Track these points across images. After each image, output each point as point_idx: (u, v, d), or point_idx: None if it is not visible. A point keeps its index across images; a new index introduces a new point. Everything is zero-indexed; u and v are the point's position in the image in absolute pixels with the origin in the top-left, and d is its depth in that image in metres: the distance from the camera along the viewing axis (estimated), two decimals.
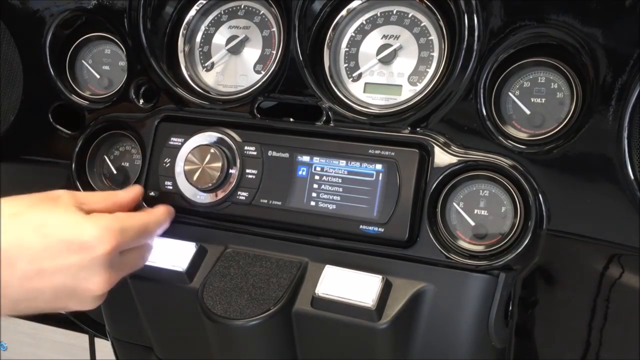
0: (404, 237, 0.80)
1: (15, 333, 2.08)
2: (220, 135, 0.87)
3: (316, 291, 0.79)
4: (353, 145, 0.84)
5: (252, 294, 0.81)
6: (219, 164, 0.85)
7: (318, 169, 0.84)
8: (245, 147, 0.87)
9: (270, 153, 0.86)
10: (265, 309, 0.79)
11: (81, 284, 0.71)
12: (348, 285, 0.78)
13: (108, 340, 1.08)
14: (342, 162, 0.84)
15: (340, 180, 0.83)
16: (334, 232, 0.83)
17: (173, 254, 0.85)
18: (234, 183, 0.86)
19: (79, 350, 1.94)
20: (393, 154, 0.81)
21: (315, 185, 0.84)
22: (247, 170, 0.86)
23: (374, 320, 0.77)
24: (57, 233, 0.69)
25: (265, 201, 0.85)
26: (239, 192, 0.86)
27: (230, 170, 0.86)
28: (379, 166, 0.81)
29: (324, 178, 0.84)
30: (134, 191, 0.87)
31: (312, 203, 0.84)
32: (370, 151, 0.82)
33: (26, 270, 0.67)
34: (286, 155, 0.85)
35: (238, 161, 0.86)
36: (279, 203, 0.85)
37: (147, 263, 0.84)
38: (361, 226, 0.82)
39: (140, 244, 0.80)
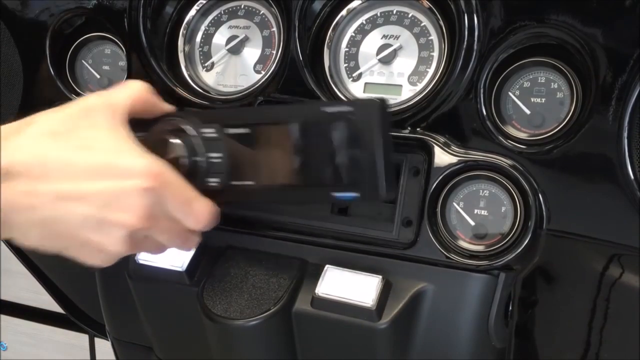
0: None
1: (15, 333, 2.08)
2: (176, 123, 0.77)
3: (316, 291, 0.79)
4: None
5: (252, 294, 0.81)
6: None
7: None
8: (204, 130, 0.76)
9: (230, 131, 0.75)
10: (265, 309, 0.80)
11: (113, 215, 0.64)
12: (348, 285, 0.78)
13: (108, 340, 1.08)
14: None
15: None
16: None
17: (173, 254, 0.85)
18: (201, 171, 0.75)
19: (79, 350, 1.94)
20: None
21: None
22: (211, 155, 0.75)
23: (373, 320, 0.77)
24: (101, 155, 0.65)
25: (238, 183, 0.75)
26: (208, 179, 0.75)
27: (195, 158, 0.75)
28: None
29: None
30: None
31: None
32: None
33: (62, 188, 0.63)
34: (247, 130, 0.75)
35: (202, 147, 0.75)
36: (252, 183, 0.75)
37: (147, 263, 0.84)
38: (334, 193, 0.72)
39: (176, 213, 0.70)
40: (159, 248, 0.73)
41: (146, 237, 0.70)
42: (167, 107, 0.77)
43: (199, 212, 0.71)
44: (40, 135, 0.66)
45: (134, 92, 0.73)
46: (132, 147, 0.68)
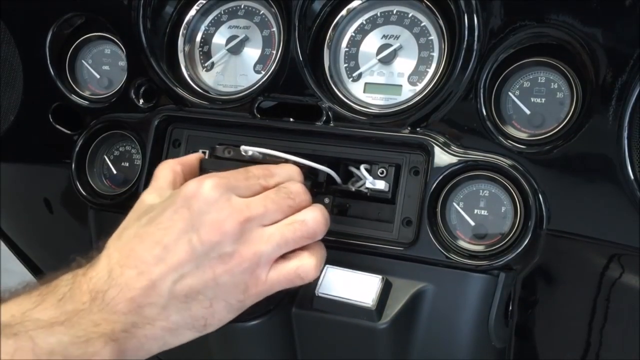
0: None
1: None
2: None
3: (316, 291, 0.79)
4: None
5: None
6: None
7: None
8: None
9: None
10: (265, 309, 0.79)
11: (205, 228, 0.65)
12: (348, 285, 0.78)
13: None
14: None
15: None
16: None
17: None
18: None
19: None
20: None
21: None
22: None
23: (373, 320, 0.77)
24: (159, 214, 0.67)
25: None
26: None
27: None
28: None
29: None
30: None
31: None
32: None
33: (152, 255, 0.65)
34: None
35: None
36: None
37: None
38: None
39: (258, 186, 0.70)
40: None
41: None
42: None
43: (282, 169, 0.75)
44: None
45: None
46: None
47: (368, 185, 0.83)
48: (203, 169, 0.79)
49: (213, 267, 0.66)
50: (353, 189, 0.85)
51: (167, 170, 0.75)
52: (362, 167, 0.83)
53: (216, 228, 0.66)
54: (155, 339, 0.66)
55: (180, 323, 0.66)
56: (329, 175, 0.83)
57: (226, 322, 0.69)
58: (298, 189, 0.71)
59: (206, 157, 0.82)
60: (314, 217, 0.70)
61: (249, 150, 0.78)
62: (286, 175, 0.73)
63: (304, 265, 0.69)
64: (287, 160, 0.78)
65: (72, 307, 0.63)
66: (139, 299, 0.64)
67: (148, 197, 0.72)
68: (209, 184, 0.67)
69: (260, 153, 0.78)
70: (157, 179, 0.75)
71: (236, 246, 0.66)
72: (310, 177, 0.82)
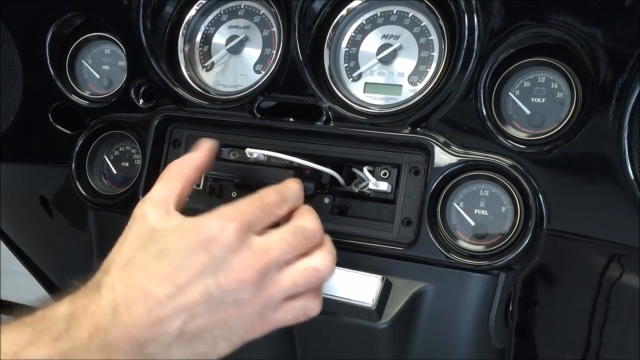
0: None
1: None
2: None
3: None
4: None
5: None
6: None
7: None
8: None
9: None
10: None
11: (225, 275, 0.64)
12: (348, 285, 0.78)
13: None
14: None
15: None
16: None
17: None
18: None
19: None
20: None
21: None
22: None
23: (374, 320, 0.77)
24: (172, 250, 0.65)
25: None
26: None
27: None
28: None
29: None
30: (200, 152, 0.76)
31: None
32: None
33: (158, 299, 0.63)
34: None
35: None
36: None
37: None
38: None
39: (275, 217, 0.70)
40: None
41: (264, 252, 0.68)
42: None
43: (288, 190, 0.73)
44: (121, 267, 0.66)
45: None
46: (188, 222, 0.67)
47: (371, 186, 0.83)
48: (207, 172, 0.80)
49: (226, 311, 0.66)
50: (356, 190, 0.85)
51: (175, 178, 0.72)
52: (365, 168, 0.84)
53: (235, 276, 0.65)
54: None
55: (181, 358, 0.65)
56: (332, 176, 0.83)
57: (223, 356, 0.68)
58: (313, 227, 0.70)
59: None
60: (325, 264, 0.69)
61: (254, 152, 0.79)
62: (296, 198, 0.72)
63: (310, 306, 0.70)
64: (291, 162, 0.79)
65: (69, 345, 0.61)
66: (143, 337, 0.62)
67: (151, 216, 0.68)
68: (231, 228, 0.65)
69: (264, 155, 0.79)
70: (164, 187, 0.71)
71: (253, 293, 0.66)
72: (313, 179, 0.83)
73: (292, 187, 0.73)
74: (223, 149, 0.81)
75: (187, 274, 0.64)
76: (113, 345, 0.62)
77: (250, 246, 0.66)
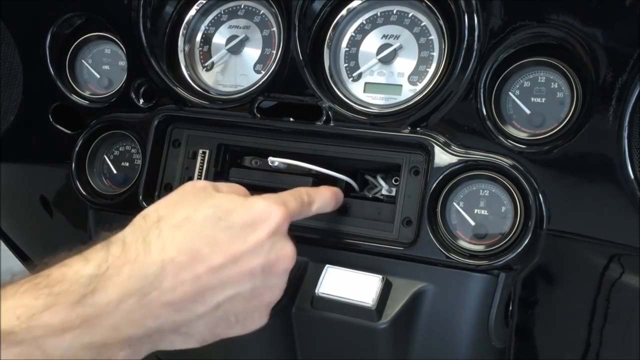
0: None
1: None
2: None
3: (316, 291, 0.79)
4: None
5: None
6: None
7: None
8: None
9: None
10: None
11: (272, 257, 0.67)
12: (348, 285, 0.78)
13: None
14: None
15: None
16: None
17: None
18: None
19: None
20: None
21: None
22: None
23: (373, 320, 0.77)
24: (231, 221, 0.65)
25: None
26: None
27: None
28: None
29: None
30: None
31: None
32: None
33: (212, 264, 0.63)
34: None
35: None
36: None
37: None
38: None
39: (305, 214, 0.75)
40: None
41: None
42: None
43: (317, 194, 0.78)
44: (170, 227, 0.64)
45: None
46: (243, 199, 0.69)
47: (384, 192, 0.86)
48: (230, 177, 0.88)
49: (261, 296, 0.68)
50: (370, 196, 0.88)
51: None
52: (378, 176, 0.87)
53: (283, 262, 0.69)
54: (169, 342, 0.64)
55: (198, 332, 0.65)
56: (347, 182, 0.86)
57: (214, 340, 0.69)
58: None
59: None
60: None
61: (275, 161, 0.83)
62: (324, 203, 0.78)
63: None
64: (310, 171, 0.83)
65: (92, 310, 0.56)
66: (179, 304, 0.61)
67: (203, 184, 0.70)
68: (279, 213, 0.68)
69: (284, 163, 0.84)
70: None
71: (283, 284, 0.70)
72: (329, 185, 0.85)
73: (324, 192, 0.79)
74: (246, 157, 0.87)
75: (244, 247, 0.65)
76: (145, 311, 0.59)
77: (290, 240, 0.70)
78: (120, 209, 0.93)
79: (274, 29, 0.95)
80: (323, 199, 0.78)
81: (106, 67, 1.03)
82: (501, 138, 0.81)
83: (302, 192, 0.75)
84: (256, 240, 0.66)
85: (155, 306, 0.59)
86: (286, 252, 0.69)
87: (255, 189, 0.88)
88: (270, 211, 0.67)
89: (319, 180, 0.86)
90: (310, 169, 0.84)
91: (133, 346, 0.59)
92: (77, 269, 0.58)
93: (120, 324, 0.58)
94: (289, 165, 0.84)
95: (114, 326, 0.57)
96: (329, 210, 0.80)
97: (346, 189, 0.87)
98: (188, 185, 0.70)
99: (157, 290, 0.59)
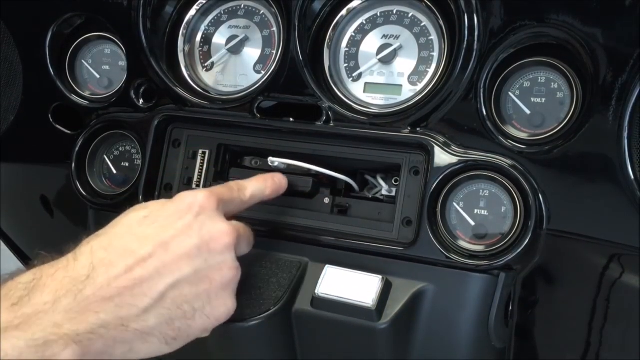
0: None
1: None
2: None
3: (316, 291, 0.79)
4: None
5: (252, 294, 0.81)
6: None
7: None
8: None
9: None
10: (265, 309, 0.79)
11: (205, 236, 0.68)
12: (348, 285, 0.78)
13: None
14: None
15: None
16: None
17: None
18: None
19: None
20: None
21: None
22: None
23: (373, 320, 0.77)
24: (157, 216, 0.68)
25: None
26: None
27: None
28: None
29: None
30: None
31: None
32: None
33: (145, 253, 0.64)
34: None
35: None
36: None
37: None
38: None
39: (239, 200, 0.77)
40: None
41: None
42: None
43: (251, 184, 0.80)
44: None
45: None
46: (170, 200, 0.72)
47: (384, 192, 0.86)
48: (230, 177, 0.88)
49: (210, 278, 0.67)
50: (370, 196, 0.88)
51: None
52: (378, 176, 0.87)
53: (219, 239, 0.68)
54: (123, 343, 0.63)
55: (155, 330, 0.64)
56: (347, 182, 0.86)
57: (188, 341, 0.69)
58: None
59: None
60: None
61: (275, 161, 0.84)
62: (257, 190, 0.79)
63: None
64: (310, 171, 0.84)
65: (30, 310, 0.59)
66: (118, 298, 0.62)
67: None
68: (203, 195, 0.71)
69: (285, 164, 0.84)
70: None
71: (233, 261, 0.70)
72: (330, 185, 0.87)
73: (256, 179, 0.80)
74: (246, 157, 0.87)
75: (172, 232, 0.66)
76: (83, 306, 0.60)
77: (224, 219, 0.71)
78: (120, 209, 0.92)
79: (274, 29, 0.95)
80: (256, 185, 0.79)
81: (106, 67, 1.03)
82: (501, 138, 0.81)
83: (230, 182, 0.78)
84: (183, 225, 0.67)
85: (93, 302, 0.61)
86: (220, 229, 0.69)
87: None
88: (193, 196, 0.70)
89: (319, 180, 0.86)
90: (310, 169, 0.84)
91: (79, 343, 0.59)
92: (16, 278, 0.62)
93: (60, 321, 0.59)
94: (288, 165, 0.84)
95: (55, 323, 0.59)
96: (270, 195, 0.81)
97: (346, 189, 0.88)
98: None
99: (91, 286, 0.61)
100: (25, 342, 0.56)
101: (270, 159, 0.85)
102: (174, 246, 0.66)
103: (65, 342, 0.58)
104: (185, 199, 0.70)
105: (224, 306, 0.70)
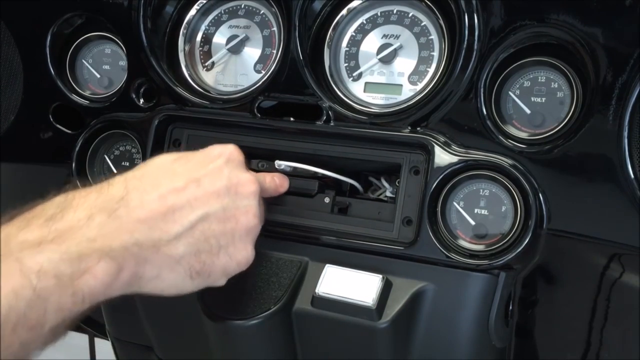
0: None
1: None
2: None
3: (316, 290, 0.79)
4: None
5: (252, 294, 0.81)
6: None
7: None
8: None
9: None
10: (265, 308, 0.80)
11: (234, 180, 0.71)
12: (348, 285, 0.78)
13: (108, 340, 1.08)
14: None
15: None
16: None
17: None
18: None
19: (79, 350, 1.93)
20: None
21: None
22: None
23: (374, 320, 0.77)
24: (188, 159, 0.71)
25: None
26: None
27: None
28: None
29: None
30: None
31: None
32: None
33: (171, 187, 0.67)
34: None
35: None
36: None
37: None
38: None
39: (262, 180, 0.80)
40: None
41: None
42: None
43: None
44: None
45: None
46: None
47: (388, 194, 0.87)
48: None
49: (237, 218, 0.71)
50: (373, 197, 0.88)
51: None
52: (382, 178, 0.88)
53: (246, 184, 0.72)
54: (153, 266, 0.64)
55: (183, 259, 0.66)
56: (351, 184, 0.87)
57: (215, 284, 0.72)
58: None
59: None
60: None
61: (281, 164, 0.85)
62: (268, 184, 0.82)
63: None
64: (316, 174, 0.85)
65: (63, 225, 0.60)
66: (152, 221, 0.64)
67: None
68: (232, 147, 0.75)
69: (291, 166, 0.85)
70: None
71: (257, 208, 0.73)
72: (334, 187, 0.87)
73: (263, 175, 0.82)
74: (252, 160, 0.88)
75: (203, 172, 0.69)
76: (117, 225, 0.62)
77: (248, 170, 0.75)
78: None
79: (274, 28, 0.95)
80: (263, 178, 0.81)
81: (106, 66, 1.03)
82: (501, 138, 0.81)
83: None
84: (214, 167, 0.71)
85: (127, 222, 0.62)
86: (247, 177, 0.73)
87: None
88: (222, 147, 0.74)
89: (324, 182, 0.87)
90: (315, 172, 0.85)
91: (114, 259, 0.60)
92: (47, 202, 0.63)
93: (94, 236, 0.60)
94: (294, 168, 0.85)
95: (89, 238, 0.60)
96: (270, 193, 0.83)
97: (350, 191, 0.88)
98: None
99: (125, 207, 0.63)
100: (60, 255, 0.57)
101: (277, 162, 0.86)
102: (205, 183, 0.69)
103: (99, 256, 0.59)
104: (215, 148, 0.74)
105: (245, 250, 0.72)
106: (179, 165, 0.70)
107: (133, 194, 0.65)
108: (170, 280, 0.67)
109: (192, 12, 0.99)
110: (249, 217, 0.72)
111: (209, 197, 0.69)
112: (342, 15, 0.92)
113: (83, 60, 1.04)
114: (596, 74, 0.76)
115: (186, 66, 0.99)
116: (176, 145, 0.93)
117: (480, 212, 0.81)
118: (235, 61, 0.97)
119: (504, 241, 0.79)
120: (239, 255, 0.72)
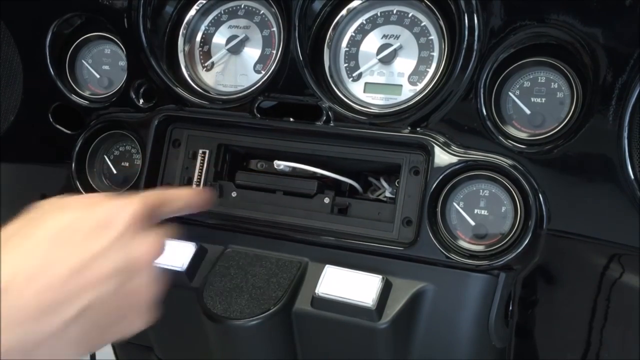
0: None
1: None
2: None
3: (316, 291, 0.79)
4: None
5: (252, 294, 0.81)
6: None
7: None
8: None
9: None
10: (265, 308, 0.80)
11: (129, 256, 0.61)
12: (348, 285, 0.78)
13: None
14: None
15: None
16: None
17: (173, 254, 0.85)
18: None
19: None
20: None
21: None
22: None
23: (374, 320, 0.77)
24: (76, 229, 0.60)
25: None
26: None
27: None
28: None
29: None
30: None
31: None
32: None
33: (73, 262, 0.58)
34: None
35: None
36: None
37: None
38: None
39: (169, 211, 0.71)
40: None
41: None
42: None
43: (177, 196, 0.74)
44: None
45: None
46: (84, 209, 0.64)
47: (387, 194, 0.87)
48: (237, 180, 0.89)
49: (129, 297, 0.63)
50: (373, 197, 0.88)
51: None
52: (381, 178, 0.88)
53: (145, 254, 0.63)
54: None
55: (67, 345, 0.59)
56: (350, 184, 0.87)
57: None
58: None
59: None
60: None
61: (280, 164, 0.85)
62: (183, 202, 0.75)
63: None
64: (315, 174, 0.85)
65: None
66: (26, 324, 0.55)
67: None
68: (133, 209, 0.64)
69: (290, 167, 0.85)
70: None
71: (152, 279, 0.65)
72: (334, 187, 0.87)
73: (187, 192, 0.78)
74: (251, 160, 0.88)
75: (95, 248, 0.60)
76: None
77: (149, 232, 0.64)
78: None
79: (274, 29, 0.95)
80: (187, 196, 0.75)
81: (106, 67, 1.03)
82: (501, 138, 0.81)
83: (165, 191, 0.72)
84: (107, 241, 0.61)
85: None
86: (144, 248, 0.63)
87: (260, 192, 0.89)
88: (122, 208, 0.63)
89: (323, 182, 0.87)
90: (314, 172, 0.85)
91: None
92: None
93: None
94: (294, 168, 0.85)
95: None
96: (194, 210, 0.76)
97: (350, 191, 0.88)
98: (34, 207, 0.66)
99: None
100: None
101: (276, 162, 0.86)
102: (93, 267, 0.59)
103: None
104: (113, 210, 0.63)
105: (140, 320, 0.65)
106: (64, 240, 0.59)
107: (10, 285, 0.55)
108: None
109: (192, 12, 0.99)
110: (143, 292, 0.64)
111: (95, 284, 0.59)
112: (342, 16, 0.92)
113: (83, 61, 1.04)
114: (596, 74, 0.76)
115: (186, 66, 0.99)
116: (176, 146, 0.93)
117: (480, 213, 0.81)
118: (235, 61, 0.97)
119: (503, 241, 0.79)
120: (134, 326, 0.64)
